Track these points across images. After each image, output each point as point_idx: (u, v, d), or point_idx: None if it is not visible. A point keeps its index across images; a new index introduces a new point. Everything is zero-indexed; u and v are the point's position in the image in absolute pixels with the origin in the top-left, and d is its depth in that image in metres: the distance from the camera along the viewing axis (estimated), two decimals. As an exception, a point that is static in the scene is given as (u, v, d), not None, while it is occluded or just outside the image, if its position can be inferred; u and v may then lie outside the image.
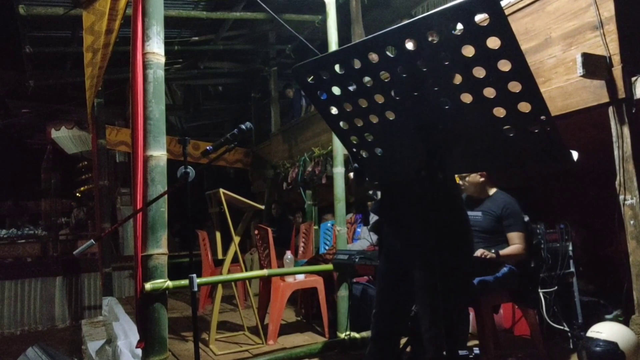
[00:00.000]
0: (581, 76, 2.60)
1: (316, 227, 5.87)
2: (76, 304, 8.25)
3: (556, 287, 3.17)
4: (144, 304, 2.41)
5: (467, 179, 2.94)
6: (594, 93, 2.75)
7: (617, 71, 2.64)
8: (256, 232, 4.32)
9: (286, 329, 4.07)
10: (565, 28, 2.97)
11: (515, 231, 2.81)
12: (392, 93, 1.31)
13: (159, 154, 2.51)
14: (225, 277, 3.79)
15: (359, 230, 4.91)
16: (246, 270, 4.21)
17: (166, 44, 2.69)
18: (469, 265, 2.04)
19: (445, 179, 1.49)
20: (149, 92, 2.51)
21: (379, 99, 1.34)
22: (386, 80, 1.29)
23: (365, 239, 4.64)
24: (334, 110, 1.48)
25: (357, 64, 1.28)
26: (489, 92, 1.15)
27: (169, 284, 2.46)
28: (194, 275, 2.20)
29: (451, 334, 1.57)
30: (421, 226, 1.45)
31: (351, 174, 2.00)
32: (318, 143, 6.24)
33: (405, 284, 1.94)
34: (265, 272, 3.58)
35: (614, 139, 2.64)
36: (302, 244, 5.50)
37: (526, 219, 2.93)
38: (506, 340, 3.35)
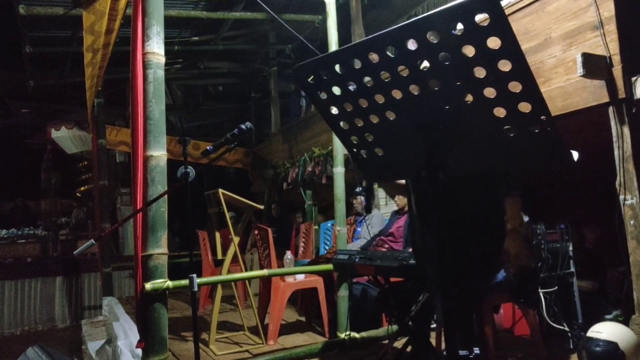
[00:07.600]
0: (581, 76, 2.61)
1: (316, 227, 5.86)
2: (76, 304, 8.24)
3: (556, 287, 3.17)
4: (144, 304, 2.41)
5: None
6: (594, 93, 2.75)
7: (617, 71, 2.64)
8: (256, 232, 4.31)
9: (286, 329, 4.06)
10: (565, 28, 2.97)
11: None
12: (392, 93, 1.31)
13: (159, 154, 2.51)
14: (225, 277, 3.78)
15: (359, 229, 4.91)
16: (246, 270, 4.21)
17: (166, 44, 2.70)
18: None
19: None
20: (149, 92, 2.51)
21: (379, 99, 1.34)
22: (386, 80, 1.29)
23: (365, 237, 4.63)
24: (334, 110, 1.48)
25: (357, 64, 1.28)
26: (489, 92, 1.15)
27: (169, 284, 2.47)
28: (194, 275, 2.20)
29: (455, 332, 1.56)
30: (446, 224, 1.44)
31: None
32: (318, 143, 6.23)
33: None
34: (265, 272, 3.58)
35: (614, 139, 2.64)
36: (302, 244, 5.50)
37: (526, 219, 2.93)
38: (506, 340, 3.35)
